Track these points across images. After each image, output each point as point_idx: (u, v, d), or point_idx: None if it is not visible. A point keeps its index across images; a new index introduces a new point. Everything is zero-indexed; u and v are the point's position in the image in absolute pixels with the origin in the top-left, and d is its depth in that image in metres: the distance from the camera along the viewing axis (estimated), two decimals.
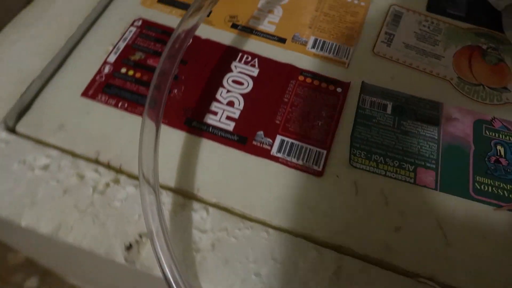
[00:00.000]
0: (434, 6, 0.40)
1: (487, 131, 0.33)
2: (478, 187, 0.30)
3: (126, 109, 0.32)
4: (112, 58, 0.34)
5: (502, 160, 0.31)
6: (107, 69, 0.34)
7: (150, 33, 0.36)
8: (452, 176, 0.30)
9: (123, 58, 0.35)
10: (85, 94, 0.33)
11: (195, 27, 0.29)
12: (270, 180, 0.30)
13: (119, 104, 0.32)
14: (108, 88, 0.33)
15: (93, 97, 0.33)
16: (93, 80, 0.33)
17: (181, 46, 0.29)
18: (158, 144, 0.27)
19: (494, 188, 0.30)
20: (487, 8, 0.40)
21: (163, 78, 0.28)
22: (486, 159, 0.31)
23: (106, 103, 0.32)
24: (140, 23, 0.37)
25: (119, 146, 0.30)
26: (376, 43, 0.37)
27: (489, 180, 0.30)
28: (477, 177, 0.30)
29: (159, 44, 0.36)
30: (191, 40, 0.29)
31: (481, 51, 0.37)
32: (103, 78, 0.33)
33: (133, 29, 0.36)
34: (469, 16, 0.39)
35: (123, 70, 0.34)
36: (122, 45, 0.35)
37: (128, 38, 0.36)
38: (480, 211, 0.29)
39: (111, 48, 0.35)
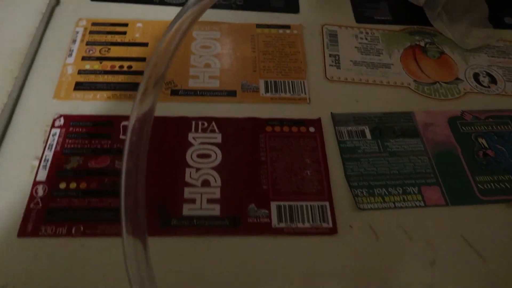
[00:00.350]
0: (361, 17, 0.40)
1: (463, 127, 0.32)
2: (482, 187, 0.29)
3: (84, 234, 0.25)
4: (43, 175, 0.27)
5: (490, 152, 0.31)
6: (41, 191, 0.27)
7: (79, 130, 0.30)
8: (454, 185, 0.29)
9: (57, 171, 0.28)
10: (22, 233, 0.25)
11: (150, 112, 0.24)
12: (283, 257, 0.26)
13: (73, 230, 0.26)
14: (51, 214, 0.26)
15: (35, 233, 0.25)
16: (28, 211, 0.26)
17: (140, 138, 0.23)
18: (151, 264, 0.22)
19: (495, 184, 0.29)
20: (408, 6, 0.40)
21: (131, 181, 0.23)
22: (475, 156, 0.31)
23: (55, 234, 0.25)
24: (62, 121, 0.30)
25: (93, 283, 0.24)
26: (326, 68, 0.35)
27: (487, 177, 0.30)
28: (476, 177, 0.30)
29: (96, 139, 0.29)
30: (150, 128, 0.24)
31: (421, 49, 0.37)
32: (40, 204, 0.26)
33: (56, 130, 0.30)
34: (396, 18, 0.40)
35: (62, 185, 0.27)
36: (49, 155, 0.28)
37: (55, 144, 0.29)
38: (495, 213, 0.28)
39: (36, 162, 0.28)
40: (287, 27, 0.38)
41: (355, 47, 0.37)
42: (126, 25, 0.36)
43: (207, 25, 0.37)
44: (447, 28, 0.38)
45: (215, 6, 0.39)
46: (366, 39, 0.38)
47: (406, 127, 0.32)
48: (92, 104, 0.31)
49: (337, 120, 0.32)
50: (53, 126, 0.30)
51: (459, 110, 0.33)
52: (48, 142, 0.29)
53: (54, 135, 0.29)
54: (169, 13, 0.38)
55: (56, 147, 0.29)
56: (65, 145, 0.29)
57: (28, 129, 0.30)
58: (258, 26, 0.38)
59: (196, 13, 0.28)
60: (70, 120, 0.30)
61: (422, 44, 0.38)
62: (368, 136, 0.31)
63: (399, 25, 0.39)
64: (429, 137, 0.32)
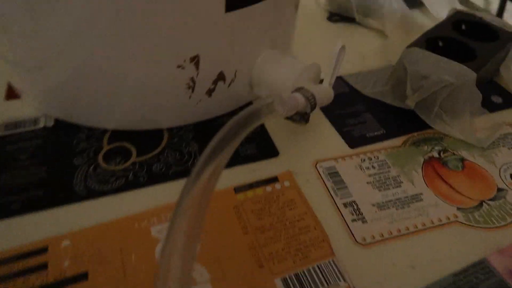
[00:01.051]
0: (352, 138, 0.32)
1: None
2: None
3: None
4: None
5: None
6: None
7: None
8: None
9: None
10: None
11: None
12: None
13: None
14: None
15: None
16: None
17: None
18: None
19: None
20: (396, 112, 0.34)
21: None
22: None
23: None
24: None
25: None
26: (350, 228, 0.26)
27: None
28: None
29: None
30: None
31: (439, 162, 0.30)
32: None
33: None
34: (389, 130, 0.33)
35: None
36: None
37: None
38: None
39: None
40: (274, 179, 0.28)
41: (367, 182, 0.28)
42: (44, 250, 0.23)
43: (168, 211, 0.26)
44: (451, 128, 0.32)
45: (170, 178, 0.28)
46: (373, 167, 0.30)
47: (492, 285, 0.23)
48: None
49: None
50: None
51: None
52: None
53: None
54: (106, 208, 0.26)
55: None
56: None
57: None
58: (237, 190, 0.27)
59: (197, 206, 0.17)
60: None
61: (436, 154, 0.31)
62: None
63: (397, 137, 0.32)
64: None
